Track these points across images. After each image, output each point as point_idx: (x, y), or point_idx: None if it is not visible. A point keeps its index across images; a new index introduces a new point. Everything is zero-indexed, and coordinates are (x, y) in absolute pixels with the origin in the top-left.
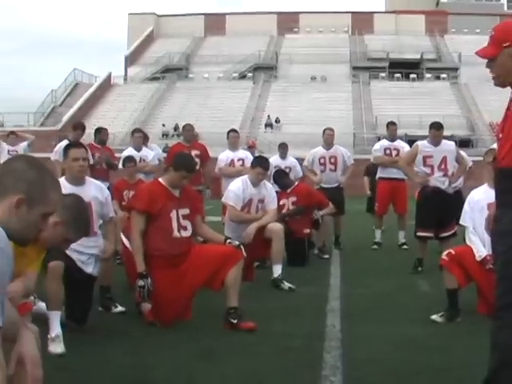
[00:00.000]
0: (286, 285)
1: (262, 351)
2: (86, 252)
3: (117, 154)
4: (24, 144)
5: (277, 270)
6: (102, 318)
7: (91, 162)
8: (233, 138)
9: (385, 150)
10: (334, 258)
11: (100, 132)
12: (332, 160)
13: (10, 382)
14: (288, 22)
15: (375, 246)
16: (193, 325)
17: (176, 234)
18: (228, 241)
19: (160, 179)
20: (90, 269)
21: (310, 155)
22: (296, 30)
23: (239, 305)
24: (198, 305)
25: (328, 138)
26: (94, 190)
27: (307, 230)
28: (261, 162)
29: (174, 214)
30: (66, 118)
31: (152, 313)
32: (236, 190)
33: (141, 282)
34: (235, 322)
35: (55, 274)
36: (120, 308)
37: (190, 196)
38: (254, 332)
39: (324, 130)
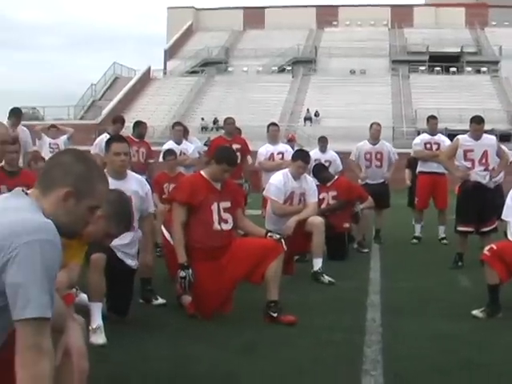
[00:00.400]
0: (326, 278)
1: (302, 344)
2: (125, 244)
3: (156, 148)
4: (64, 137)
5: (317, 264)
6: (142, 310)
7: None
8: (273, 132)
9: (425, 144)
10: (374, 252)
11: (139, 126)
12: (378, 156)
13: (56, 372)
14: (327, 15)
15: (415, 241)
16: (233, 318)
17: (217, 226)
18: (269, 234)
19: (202, 172)
20: (130, 261)
21: (356, 149)
22: (335, 23)
23: (279, 298)
24: (238, 298)
25: (375, 133)
26: (135, 185)
27: (347, 224)
28: (302, 156)
29: (215, 207)
30: (105, 111)
31: (193, 305)
32: (277, 183)
33: (182, 273)
34: (275, 315)
35: (97, 266)
36: (160, 300)
37: (232, 189)
38: (294, 325)
39: (371, 125)
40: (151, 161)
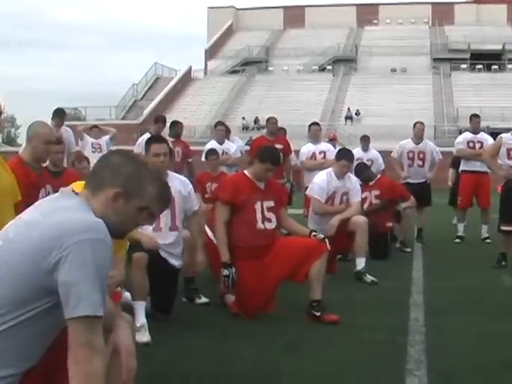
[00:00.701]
0: (369, 278)
1: (345, 344)
2: (169, 244)
3: (198, 147)
4: (106, 137)
5: (360, 263)
6: (185, 308)
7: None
8: (315, 132)
9: (468, 142)
10: (416, 252)
11: (175, 125)
12: (420, 156)
13: (105, 370)
14: (367, 13)
15: (458, 240)
16: (276, 317)
17: (260, 225)
18: (313, 233)
19: (245, 171)
20: (174, 261)
21: (399, 147)
22: (375, 21)
23: (322, 297)
24: (281, 297)
25: (418, 132)
26: (178, 184)
27: (389, 224)
28: (346, 155)
29: (258, 206)
30: (146, 111)
31: (236, 304)
32: (321, 182)
33: (225, 272)
34: (318, 314)
35: (140, 264)
36: (204, 299)
37: (275, 189)
38: (337, 324)
39: (415, 124)
40: (189, 160)
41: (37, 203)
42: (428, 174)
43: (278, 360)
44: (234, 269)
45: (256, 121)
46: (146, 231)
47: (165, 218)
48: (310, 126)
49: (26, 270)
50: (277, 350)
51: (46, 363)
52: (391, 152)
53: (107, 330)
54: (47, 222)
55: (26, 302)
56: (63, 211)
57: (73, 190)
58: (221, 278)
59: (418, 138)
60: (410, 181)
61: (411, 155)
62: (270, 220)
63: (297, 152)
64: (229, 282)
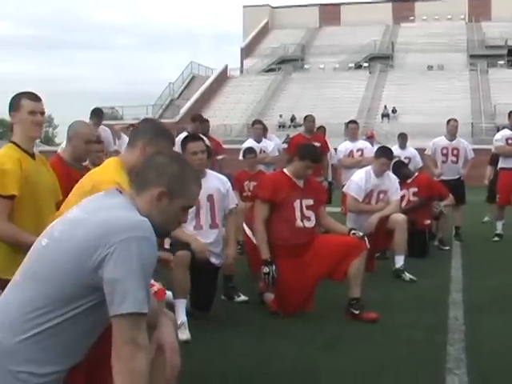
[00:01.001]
0: (408, 276)
1: (384, 342)
2: (210, 243)
3: (234, 146)
4: None
5: (399, 261)
6: (225, 306)
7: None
8: (352, 130)
9: (507, 139)
10: (455, 250)
11: (202, 123)
12: (454, 152)
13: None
14: (403, 10)
15: (496, 238)
16: (315, 315)
17: (299, 223)
18: (352, 232)
19: (284, 169)
20: (214, 259)
21: (433, 145)
22: (412, 18)
23: (361, 295)
24: (319, 295)
25: (452, 129)
26: (216, 182)
27: (428, 221)
28: (385, 153)
29: (297, 204)
30: (183, 110)
31: (275, 302)
32: (359, 180)
33: (266, 269)
34: (357, 312)
35: (182, 263)
36: (243, 297)
37: (314, 187)
38: (375, 323)
39: (448, 121)
40: (220, 157)
41: (81, 202)
42: (462, 171)
43: (317, 358)
44: (274, 266)
45: (292, 119)
46: (187, 230)
47: (205, 216)
48: (347, 123)
49: (71, 268)
50: (315, 348)
51: (90, 360)
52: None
53: (151, 328)
54: (92, 221)
55: (70, 300)
56: (108, 209)
57: (117, 189)
58: (261, 276)
59: (452, 134)
60: (444, 178)
61: (445, 151)
62: (309, 218)
63: (334, 150)
64: (269, 279)
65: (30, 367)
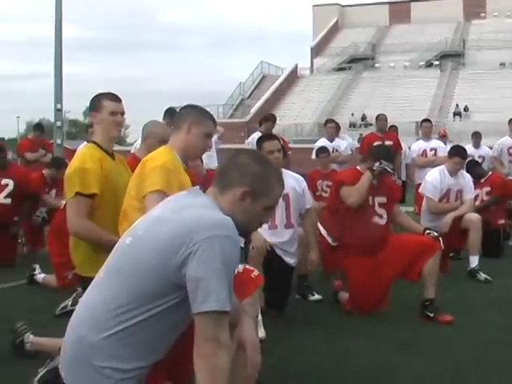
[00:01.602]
0: (483, 276)
1: (462, 343)
2: (284, 242)
3: (305, 145)
4: (214, 137)
5: (473, 261)
6: (299, 305)
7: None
8: (426, 129)
9: None
10: None
11: (266, 121)
12: None
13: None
14: (474, 6)
15: None
16: (390, 314)
17: (371, 220)
18: (427, 231)
19: (358, 167)
20: (289, 259)
21: (498, 145)
22: (483, 14)
23: (435, 296)
24: (392, 294)
25: None
26: (292, 181)
27: (502, 221)
28: (459, 152)
29: (370, 201)
30: (253, 110)
31: (350, 301)
32: (433, 180)
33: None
34: (432, 315)
35: (255, 261)
36: (317, 296)
37: (388, 185)
38: (452, 323)
39: (510, 120)
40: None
41: (165, 200)
42: None
43: (392, 358)
44: None
45: (363, 118)
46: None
47: (280, 215)
48: (421, 122)
49: (155, 265)
50: (391, 349)
51: (172, 356)
52: None
53: (232, 326)
54: (176, 219)
55: (154, 298)
56: (192, 208)
57: (200, 188)
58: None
59: None
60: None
61: None
62: (381, 216)
63: (408, 148)
64: None
65: (114, 363)
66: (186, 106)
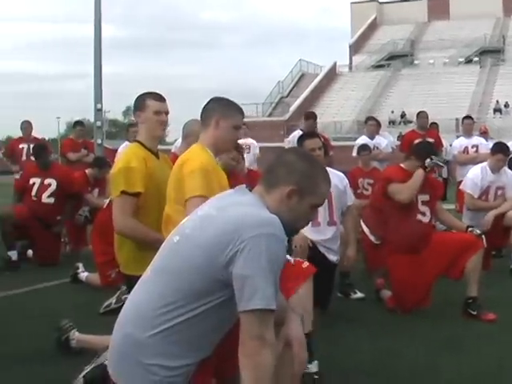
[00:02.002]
0: None
1: (505, 341)
2: (327, 239)
3: (345, 143)
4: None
5: None
6: (341, 303)
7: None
8: (467, 125)
9: None
10: None
11: (308, 119)
12: None
13: (276, 363)
14: None
15: None
16: (432, 312)
17: (415, 218)
18: (469, 229)
19: (401, 165)
20: (332, 256)
21: None
22: None
23: (478, 294)
24: (434, 291)
25: None
26: (335, 179)
27: None
28: (501, 149)
29: (413, 199)
30: (292, 108)
31: (392, 299)
32: (474, 177)
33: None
34: (475, 313)
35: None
36: (359, 294)
37: (431, 182)
38: (495, 321)
39: None
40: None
41: (211, 199)
42: None
43: (437, 356)
44: None
45: (403, 115)
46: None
47: (323, 212)
48: (462, 119)
49: (202, 263)
50: (435, 346)
51: (218, 354)
52: None
53: (278, 324)
54: (222, 216)
55: (201, 296)
56: (238, 206)
57: (246, 187)
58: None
59: None
60: None
61: None
62: (424, 213)
63: (449, 145)
64: None
65: (160, 360)
66: (211, 100)
